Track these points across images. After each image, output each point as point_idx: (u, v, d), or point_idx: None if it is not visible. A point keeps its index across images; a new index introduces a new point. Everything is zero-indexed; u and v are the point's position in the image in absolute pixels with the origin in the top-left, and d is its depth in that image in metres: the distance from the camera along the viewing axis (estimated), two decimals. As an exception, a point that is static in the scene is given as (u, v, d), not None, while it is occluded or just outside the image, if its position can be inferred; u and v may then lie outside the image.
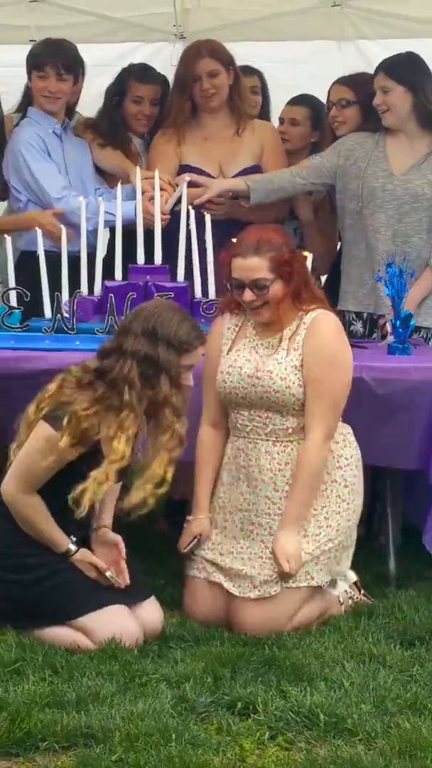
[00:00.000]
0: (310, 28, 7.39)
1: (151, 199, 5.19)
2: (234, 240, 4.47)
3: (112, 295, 4.83)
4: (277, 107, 6.48)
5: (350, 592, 4.53)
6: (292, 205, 5.95)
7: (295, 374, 4.34)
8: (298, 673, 3.85)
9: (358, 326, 5.54)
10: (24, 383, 4.46)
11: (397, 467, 4.77)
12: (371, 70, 5.64)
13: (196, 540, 4.47)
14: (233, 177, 5.67)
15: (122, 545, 4.23)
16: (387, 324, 5.06)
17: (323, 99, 6.05)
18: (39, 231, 5.07)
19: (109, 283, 5.03)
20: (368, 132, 5.59)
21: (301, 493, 4.32)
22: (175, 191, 5.36)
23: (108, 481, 4.07)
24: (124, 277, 5.08)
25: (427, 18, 6.86)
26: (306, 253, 5.00)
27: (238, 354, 4.47)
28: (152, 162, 5.67)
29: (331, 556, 4.36)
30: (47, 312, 4.95)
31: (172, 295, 4.92)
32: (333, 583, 4.45)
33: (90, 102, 6.18)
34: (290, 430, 4.39)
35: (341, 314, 5.52)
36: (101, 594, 4.14)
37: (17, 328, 4.89)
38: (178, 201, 5.24)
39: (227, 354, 4.49)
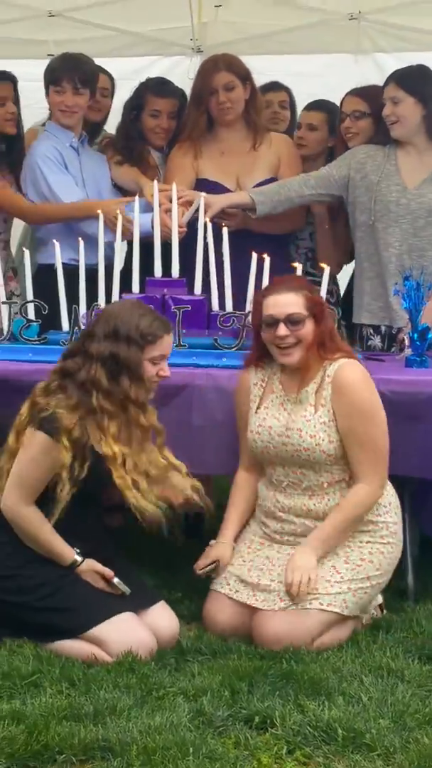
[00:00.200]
0: (327, 41, 7.40)
1: (168, 211, 5.18)
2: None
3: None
4: (295, 120, 6.49)
5: (374, 613, 4.52)
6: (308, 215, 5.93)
7: (325, 431, 4.34)
8: (316, 687, 3.83)
9: (376, 341, 5.52)
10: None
11: (416, 476, 4.75)
12: (388, 83, 5.64)
13: (214, 565, 4.45)
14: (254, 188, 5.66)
15: (107, 571, 4.21)
16: (405, 337, 5.04)
17: (340, 112, 6.05)
18: (57, 244, 5.08)
19: (126, 296, 5.03)
20: (378, 144, 5.57)
21: (337, 522, 4.32)
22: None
23: (130, 479, 4.14)
24: (142, 290, 5.08)
25: (444, 31, 6.88)
26: (323, 265, 5.02)
27: (266, 412, 4.47)
28: (169, 175, 5.67)
29: (368, 593, 4.34)
30: (65, 325, 4.97)
31: (189, 308, 4.91)
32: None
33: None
34: (326, 485, 4.39)
35: (357, 329, 5.52)
36: (108, 603, 4.13)
37: (35, 340, 4.91)
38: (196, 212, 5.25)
39: (256, 412, 4.49)
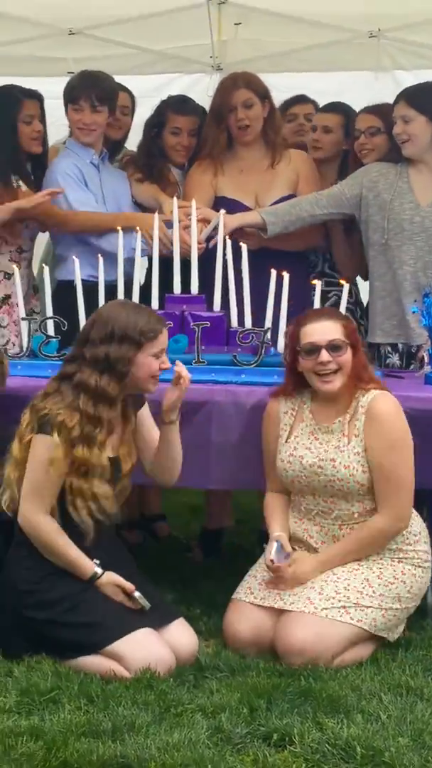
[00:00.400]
0: (347, 58, 7.42)
1: (187, 228, 5.19)
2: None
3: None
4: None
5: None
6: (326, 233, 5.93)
7: (358, 461, 4.34)
8: (334, 705, 3.82)
9: (394, 359, 5.49)
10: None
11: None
12: (408, 100, 5.63)
13: (276, 544, 4.40)
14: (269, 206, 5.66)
15: (128, 585, 4.21)
16: (425, 354, 5.04)
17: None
18: (76, 260, 5.10)
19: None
20: (390, 162, 5.55)
21: (349, 549, 4.35)
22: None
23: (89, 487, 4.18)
24: (161, 306, 5.08)
25: (464, 49, 6.89)
26: (343, 282, 5.02)
27: (297, 441, 4.47)
28: (188, 193, 5.68)
29: (397, 615, 4.33)
30: (84, 341, 4.97)
31: (209, 324, 4.92)
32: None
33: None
34: (356, 515, 4.39)
35: (375, 347, 5.50)
36: (128, 619, 4.13)
37: (54, 356, 4.92)
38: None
39: (286, 441, 4.49)
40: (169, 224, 5.31)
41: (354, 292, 5.88)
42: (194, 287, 5.13)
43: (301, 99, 6.51)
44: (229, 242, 5.08)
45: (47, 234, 6.00)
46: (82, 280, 5.05)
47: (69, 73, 6.45)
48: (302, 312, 4.63)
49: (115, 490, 4.27)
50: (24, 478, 4.20)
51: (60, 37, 7.39)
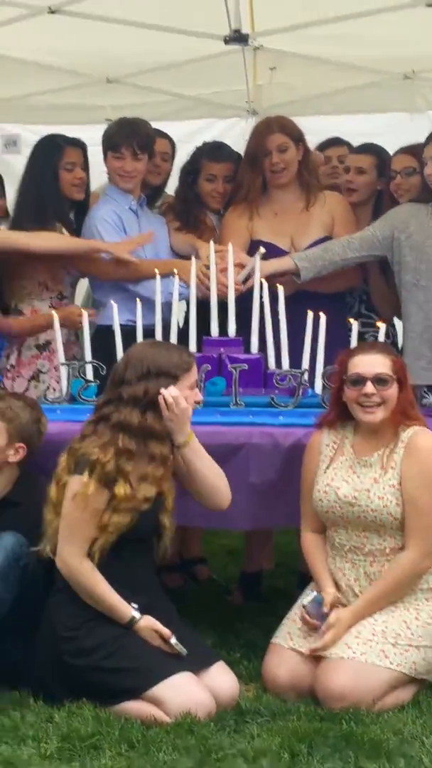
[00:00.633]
0: (382, 100, 7.48)
1: (224, 271, 5.22)
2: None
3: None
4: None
5: None
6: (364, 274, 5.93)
7: (393, 493, 4.34)
8: (376, 749, 3.77)
9: (430, 399, 5.47)
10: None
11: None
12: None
13: (313, 595, 4.38)
14: (305, 249, 5.67)
15: (165, 630, 4.19)
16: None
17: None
18: (114, 305, 5.13)
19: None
20: (420, 203, 5.54)
21: (382, 591, 4.31)
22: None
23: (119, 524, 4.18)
24: (199, 349, 5.11)
25: None
26: (380, 324, 5.03)
27: (335, 473, 4.47)
28: (224, 237, 5.70)
29: None
30: (123, 385, 5.00)
31: (246, 367, 4.93)
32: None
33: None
34: (388, 550, 4.37)
35: (417, 389, 5.48)
36: (167, 663, 4.11)
37: (93, 401, 4.93)
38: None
39: (325, 472, 4.49)
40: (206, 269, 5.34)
41: (391, 333, 5.87)
42: (231, 330, 5.15)
43: (334, 142, 6.56)
44: (265, 284, 5.10)
45: (86, 280, 6.05)
46: (121, 325, 5.09)
47: (107, 120, 6.55)
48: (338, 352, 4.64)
49: (160, 526, 4.28)
50: (60, 522, 4.23)
51: (98, 85, 7.52)
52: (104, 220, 5.72)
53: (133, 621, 4.16)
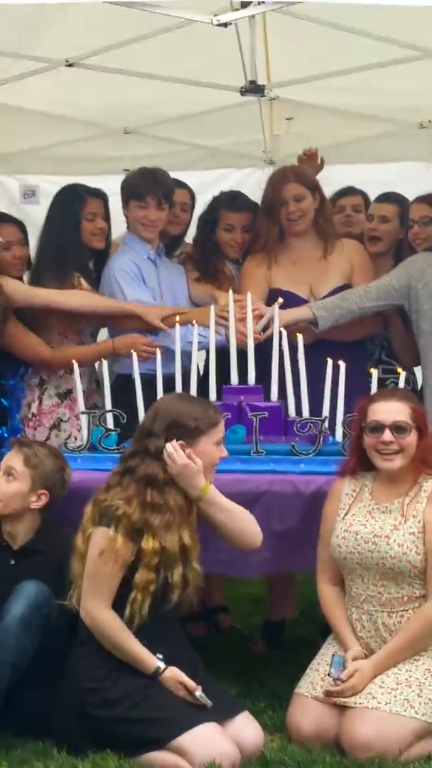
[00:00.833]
0: (398, 150, 7.52)
1: (243, 320, 5.23)
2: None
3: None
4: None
5: None
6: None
7: (413, 542, 4.33)
8: (402, 798, 3.77)
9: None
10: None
11: None
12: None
13: (335, 659, 4.34)
14: (323, 298, 5.69)
15: (191, 683, 4.17)
16: None
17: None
18: (135, 354, 5.16)
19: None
20: None
21: (404, 642, 4.29)
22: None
23: (149, 581, 4.16)
24: (218, 397, 5.12)
25: None
26: (399, 370, 5.04)
27: (353, 518, 4.47)
28: (243, 286, 5.71)
29: None
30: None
31: (266, 415, 4.94)
32: None
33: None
34: (405, 599, 4.36)
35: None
36: (192, 713, 4.09)
37: (114, 449, 4.95)
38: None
39: (343, 518, 4.49)
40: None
41: (411, 381, 5.88)
42: (251, 378, 5.16)
43: (349, 191, 6.58)
44: (284, 333, 5.11)
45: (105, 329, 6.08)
46: (141, 374, 5.10)
47: (125, 170, 6.57)
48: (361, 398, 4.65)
49: (188, 577, 4.27)
50: (84, 572, 4.22)
51: (115, 136, 7.57)
52: (123, 270, 5.75)
53: (158, 672, 4.15)
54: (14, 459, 4.64)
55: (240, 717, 4.21)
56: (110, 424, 5.03)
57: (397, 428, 4.40)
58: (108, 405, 5.13)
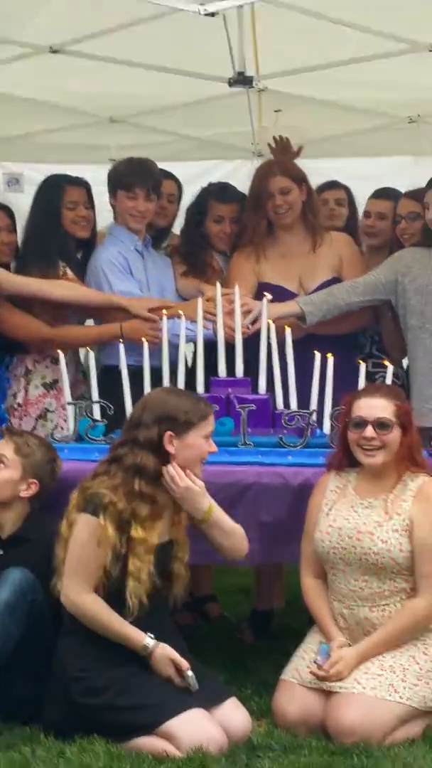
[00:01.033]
0: (387, 144, 7.53)
1: (230, 313, 5.23)
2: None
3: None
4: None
5: None
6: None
7: (397, 539, 4.36)
8: (386, 784, 3.79)
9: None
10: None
11: None
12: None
13: (321, 646, 4.38)
14: (313, 291, 5.70)
15: (183, 661, 4.20)
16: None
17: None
18: (122, 345, 5.17)
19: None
20: (422, 247, 5.59)
21: (390, 635, 4.32)
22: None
23: (140, 568, 4.18)
24: (206, 390, 5.13)
25: None
26: (387, 363, 5.06)
27: (337, 513, 4.49)
28: (231, 280, 5.67)
29: None
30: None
31: (254, 407, 4.95)
32: None
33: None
34: (387, 593, 4.39)
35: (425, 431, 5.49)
36: (179, 699, 4.12)
37: (101, 440, 4.96)
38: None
39: (327, 514, 4.51)
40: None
41: (401, 375, 5.89)
42: (239, 370, 5.16)
43: (332, 185, 6.59)
44: (273, 326, 5.12)
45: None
46: (128, 365, 5.11)
47: (111, 159, 6.57)
48: (349, 392, 4.67)
49: (172, 571, 4.30)
50: (67, 557, 4.24)
51: (102, 125, 7.55)
52: (111, 262, 5.73)
53: (146, 648, 4.17)
54: (5, 447, 4.66)
55: (227, 703, 4.24)
56: (97, 415, 5.04)
57: (380, 425, 4.42)
58: (95, 396, 5.12)
